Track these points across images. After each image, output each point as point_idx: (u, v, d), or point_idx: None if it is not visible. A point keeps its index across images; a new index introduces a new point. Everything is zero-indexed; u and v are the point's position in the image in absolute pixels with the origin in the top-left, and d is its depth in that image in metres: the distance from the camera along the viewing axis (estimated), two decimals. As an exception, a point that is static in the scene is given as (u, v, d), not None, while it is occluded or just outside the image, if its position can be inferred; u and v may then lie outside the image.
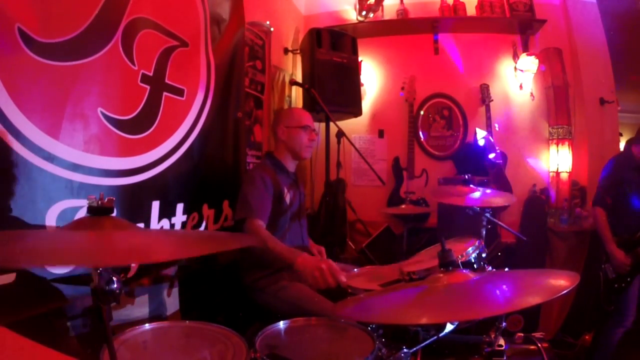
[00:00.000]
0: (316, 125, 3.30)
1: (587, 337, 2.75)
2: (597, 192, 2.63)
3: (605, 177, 2.60)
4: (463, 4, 3.46)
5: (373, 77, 3.70)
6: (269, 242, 1.74)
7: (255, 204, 1.83)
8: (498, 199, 1.99)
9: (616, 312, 2.44)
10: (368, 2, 3.45)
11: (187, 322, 1.20)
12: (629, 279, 2.39)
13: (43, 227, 1.18)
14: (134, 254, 0.74)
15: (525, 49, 3.40)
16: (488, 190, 2.11)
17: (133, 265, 1.47)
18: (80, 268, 1.21)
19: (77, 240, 0.77)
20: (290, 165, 2.09)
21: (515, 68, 3.42)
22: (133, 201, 1.55)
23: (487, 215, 1.95)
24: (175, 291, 1.84)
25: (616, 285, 2.43)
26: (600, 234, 2.51)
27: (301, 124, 2.04)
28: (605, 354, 2.46)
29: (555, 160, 3.32)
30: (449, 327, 1.24)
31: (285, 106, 3.23)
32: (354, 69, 3.25)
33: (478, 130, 3.28)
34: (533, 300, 0.89)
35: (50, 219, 1.21)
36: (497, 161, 3.19)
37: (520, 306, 0.87)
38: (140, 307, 1.63)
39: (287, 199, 1.99)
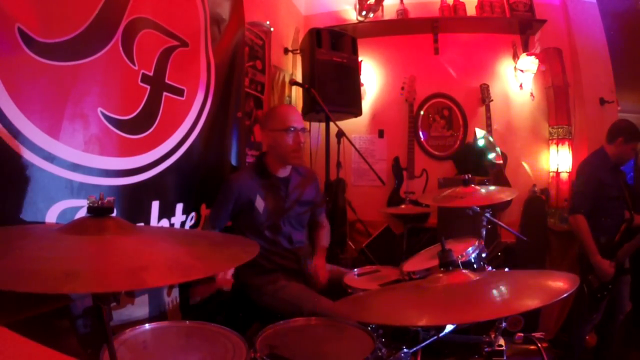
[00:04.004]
0: (316, 125, 3.32)
1: (587, 337, 2.75)
2: (575, 198, 2.48)
3: (583, 181, 2.48)
4: (463, 4, 3.46)
5: (373, 77, 3.71)
6: None
7: (212, 213, 1.94)
8: (502, 194, 1.98)
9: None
10: (368, 2, 3.45)
11: (187, 322, 1.20)
12: (610, 286, 2.37)
13: (43, 227, 1.18)
14: (136, 279, 0.70)
15: (525, 49, 3.41)
16: (492, 187, 2.10)
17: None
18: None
19: (69, 257, 0.73)
20: (280, 171, 1.94)
21: (515, 68, 3.42)
22: (133, 201, 1.54)
23: (487, 215, 1.95)
24: (175, 291, 1.84)
25: (599, 295, 2.40)
26: (584, 245, 2.38)
27: (285, 126, 1.85)
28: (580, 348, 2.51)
29: (555, 160, 3.32)
30: (449, 327, 1.24)
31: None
32: (354, 69, 3.25)
33: (478, 130, 3.28)
34: (532, 303, 0.89)
35: (51, 219, 1.21)
36: (497, 161, 3.19)
37: (520, 310, 0.87)
38: (140, 307, 1.63)
39: (260, 207, 1.86)
